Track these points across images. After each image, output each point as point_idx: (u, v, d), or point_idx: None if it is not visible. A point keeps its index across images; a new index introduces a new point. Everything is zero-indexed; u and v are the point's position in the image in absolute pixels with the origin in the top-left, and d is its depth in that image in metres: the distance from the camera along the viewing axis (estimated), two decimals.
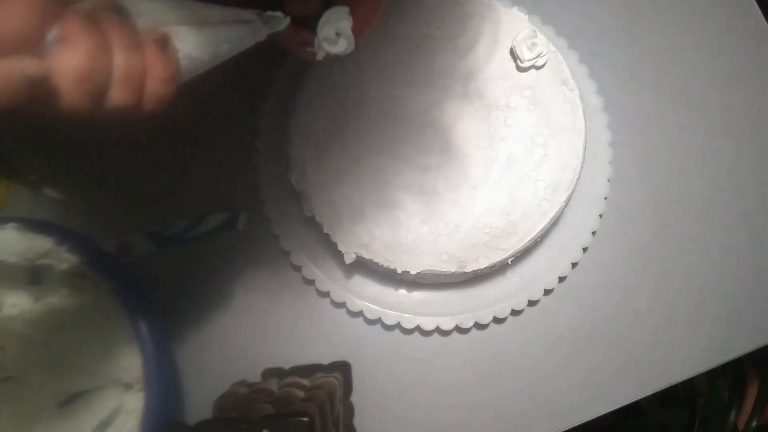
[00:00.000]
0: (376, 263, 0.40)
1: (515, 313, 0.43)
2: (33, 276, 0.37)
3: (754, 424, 0.71)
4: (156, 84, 0.21)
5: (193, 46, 0.23)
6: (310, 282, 0.43)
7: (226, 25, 0.24)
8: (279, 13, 0.27)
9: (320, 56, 0.29)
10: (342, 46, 0.29)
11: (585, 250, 0.44)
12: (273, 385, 0.38)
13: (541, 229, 0.40)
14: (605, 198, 0.44)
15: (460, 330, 0.43)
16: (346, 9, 0.28)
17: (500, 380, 0.43)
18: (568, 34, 0.47)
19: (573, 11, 0.49)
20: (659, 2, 0.49)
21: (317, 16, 0.28)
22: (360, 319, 0.43)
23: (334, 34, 0.28)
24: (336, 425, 0.36)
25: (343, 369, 0.41)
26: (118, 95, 0.20)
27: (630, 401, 0.42)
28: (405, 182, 0.41)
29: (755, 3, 0.49)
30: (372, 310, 0.42)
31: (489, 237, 0.40)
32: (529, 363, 0.43)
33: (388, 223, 0.40)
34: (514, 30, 0.43)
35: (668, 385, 0.43)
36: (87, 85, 0.19)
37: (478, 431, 0.42)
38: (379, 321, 0.43)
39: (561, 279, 0.43)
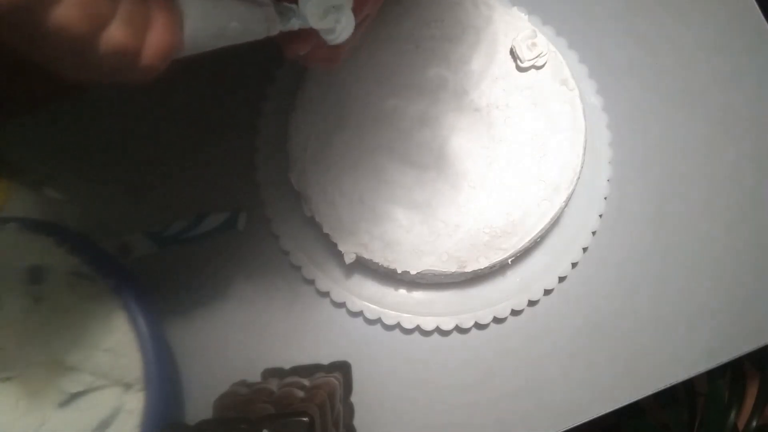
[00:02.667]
0: (376, 263, 0.40)
1: (515, 313, 0.43)
2: (33, 276, 0.37)
3: (754, 424, 0.71)
4: (158, 34, 0.20)
5: (199, 11, 0.22)
6: (310, 282, 0.43)
7: (239, 0, 0.23)
8: (294, 6, 0.25)
9: (333, 40, 0.27)
10: (339, 32, 0.27)
11: (585, 250, 0.44)
12: (273, 385, 0.38)
13: (541, 229, 0.40)
14: (605, 198, 0.44)
15: (460, 330, 0.43)
16: None
17: (500, 380, 0.43)
18: (568, 34, 0.47)
19: (573, 11, 0.49)
20: (659, 2, 0.49)
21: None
22: (360, 319, 0.43)
23: (331, 19, 0.26)
24: (336, 425, 0.36)
25: (343, 369, 0.41)
26: (118, 32, 0.19)
27: (630, 401, 0.42)
28: (405, 182, 0.41)
29: (755, 3, 0.49)
30: (372, 310, 0.42)
31: (489, 237, 0.40)
32: (529, 363, 0.43)
33: (388, 223, 0.40)
34: (514, 30, 0.43)
35: (668, 385, 0.43)
36: (92, 7, 0.18)
37: (478, 431, 0.42)
38: (379, 321, 0.43)
39: (561, 279, 0.43)
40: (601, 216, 0.44)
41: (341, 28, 0.27)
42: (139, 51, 0.20)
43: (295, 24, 0.26)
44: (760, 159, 0.47)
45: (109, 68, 0.20)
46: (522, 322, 0.44)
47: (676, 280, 0.44)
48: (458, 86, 0.42)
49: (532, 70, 0.43)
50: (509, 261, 0.41)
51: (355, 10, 0.27)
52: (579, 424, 0.42)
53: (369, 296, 0.43)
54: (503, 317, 0.43)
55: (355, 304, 0.43)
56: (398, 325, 0.43)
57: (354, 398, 0.42)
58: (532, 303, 0.43)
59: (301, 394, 0.35)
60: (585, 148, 0.41)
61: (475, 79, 0.42)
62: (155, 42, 0.20)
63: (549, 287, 0.43)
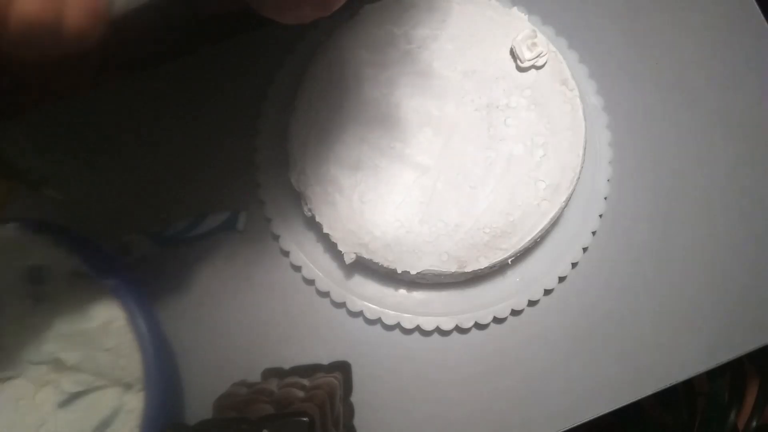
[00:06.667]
0: (376, 263, 0.40)
1: (515, 313, 0.43)
2: (33, 276, 0.37)
3: (754, 424, 0.70)
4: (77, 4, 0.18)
5: None
6: (310, 282, 0.43)
7: None
8: None
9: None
10: None
11: (585, 250, 0.44)
12: (273, 385, 0.38)
13: (541, 229, 0.40)
14: (605, 198, 0.44)
15: (460, 330, 0.43)
16: None
17: (500, 380, 0.43)
18: (568, 34, 0.47)
19: (573, 11, 0.49)
20: (659, 2, 0.49)
21: None
22: (360, 319, 0.43)
23: None
24: (336, 425, 0.36)
25: (343, 369, 0.41)
26: (27, 3, 0.17)
27: (630, 401, 0.42)
28: (405, 182, 0.41)
29: (755, 3, 0.49)
30: (372, 310, 0.42)
31: (489, 237, 0.40)
32: (530, 363, 0.43)
33: (388, 223, 0.40)
34: (514, 30, 0.43)
35: (668, 385, 0.43)
36: None
37: (477, 431, 0.42)
38: (379, 321, 0.43)
39: (561, 279, 0.43)
40: (601, 216, 0.44)
41: None
42: (59, 17, 0.17)
43: None
44: (760, 159, 0.46)
45: (30, 43, 0.18)
46: (522, 322, 0.44)
47: (676, 280, 0.44)
48: (458, 87, 0.42)
49: (532, 70, 0.43)
50: (509, 261, 0.41)
51: None
52: (579, 424, 0.42)
53: (369, 296, 0.43)
54: (503, 317, 0.43)
55: (355, 304, 0.43)
56: (398, 325, 0.43)
57: (354, 398, 0.42)
58: (532, 303, 0.43)
59: (301, 394, 0.35)
60: (585, 148, 0.41)
61: (475, 79, 0.42)
62: (76, 2, 0.18)
63: (549, 287, 0.43)
